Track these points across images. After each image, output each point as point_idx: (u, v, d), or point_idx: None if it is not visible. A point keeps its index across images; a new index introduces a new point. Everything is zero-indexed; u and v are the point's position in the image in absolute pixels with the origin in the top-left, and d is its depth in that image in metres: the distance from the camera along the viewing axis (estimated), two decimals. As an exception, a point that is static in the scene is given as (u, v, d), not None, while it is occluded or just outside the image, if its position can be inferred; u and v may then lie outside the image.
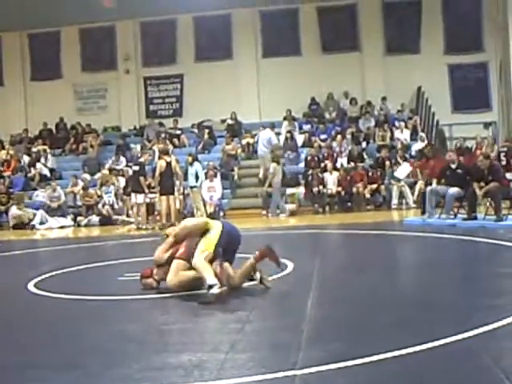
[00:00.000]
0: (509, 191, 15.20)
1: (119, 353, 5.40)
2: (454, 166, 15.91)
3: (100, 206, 22.63)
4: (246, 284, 7.93)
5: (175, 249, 7.88)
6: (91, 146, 26.70)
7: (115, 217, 22.35)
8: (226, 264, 7.74)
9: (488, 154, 17.00)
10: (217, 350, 5.19)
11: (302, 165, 24.12)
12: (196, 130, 27.48)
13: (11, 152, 26.79)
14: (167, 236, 8.25)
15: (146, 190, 20.04)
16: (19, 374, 4.96)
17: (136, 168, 20.48)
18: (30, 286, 9.00)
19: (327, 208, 22.17)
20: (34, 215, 22.23)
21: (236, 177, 24.15)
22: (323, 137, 25.54)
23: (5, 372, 5.08)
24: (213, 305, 7.01)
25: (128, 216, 22.00)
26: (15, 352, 5.69)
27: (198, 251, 7.51)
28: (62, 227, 21.68)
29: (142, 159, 21.14)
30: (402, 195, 21.32)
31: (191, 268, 7.60)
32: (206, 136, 26.56)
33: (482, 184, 14.92)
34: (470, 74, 27.18)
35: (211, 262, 7.53)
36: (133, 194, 20.31)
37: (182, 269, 7.65)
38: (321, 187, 22.17)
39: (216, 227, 7.78)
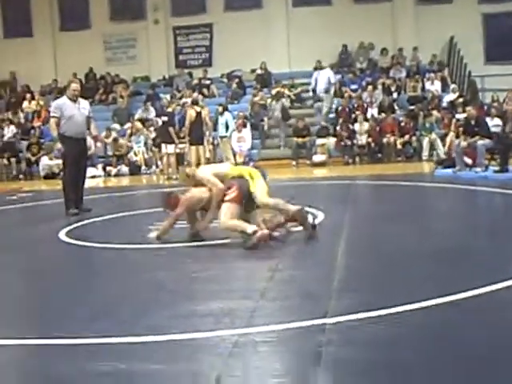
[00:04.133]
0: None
1: (150, 301, 5.44)
2: (473, 122, 15.85)
3: (131, 154, 22.73)
4: (277, 233, 7.94)
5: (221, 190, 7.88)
6: (121, 97, 26.69)
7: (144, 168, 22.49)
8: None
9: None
10: (247, 298, 5.21)
11: (332, 115, 23.96)
12: (226, 80, 27.38)
13: (41, 102, 26.88)
14: (188, 176, 8.26)
15: (176, 141, 20.06)
16: (52, 323, 5.02)
17: (165, 119, 20.49)
18: (62, 235, 9.08)
19: (357, 159, 22.06)
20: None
21: (266, 127, 24.06)
22: (354, 87, 25.29)
23: (39, 322, 5.15)
24: (243, 252, 7.08)
25: (157, 166, 22.10)
26: (48, 302, 5.76)
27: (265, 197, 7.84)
28: (92, 177, 21.79)
29: (170, 109, 21.12)
30: (433, 147, 21.12)
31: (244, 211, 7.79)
32: (234, 86, 26.45)
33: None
34: (505, 23, 26.65)
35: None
36: (163, 145, 20.36)
37: (235, 212, 7.67)
38: (351, 138, 22.05)
39: (256, 176, 7.98)
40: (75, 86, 12.00)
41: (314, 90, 24.45)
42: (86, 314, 5.16)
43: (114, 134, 23.68)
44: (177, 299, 5.41)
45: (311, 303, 5.01)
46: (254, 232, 7.32)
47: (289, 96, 25.40)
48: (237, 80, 26.67)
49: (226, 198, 7.69)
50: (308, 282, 5.76)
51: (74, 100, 11.75)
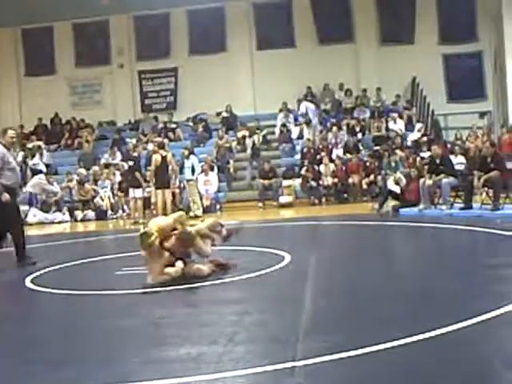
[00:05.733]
0: (507, 181, 15.19)
1: (117, 347, 5.39)
2: (438, 161, 16.06)
3: (97, 199, 22.62)
4: (244, 276, 7.99)
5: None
6: (86, 141, 26.66)
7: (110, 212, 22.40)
8: None
9: (493, 141, 17.05)
10: (215, 343, 5.18)
11: (297, 157, 24.09)
12: (191, 124, 27.47)
13: (6, 148, 26.70)
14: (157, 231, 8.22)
15: (144, 184, 20.03)
16: (16, 370, 4.95)
17: (131, 163, 20.48)
18: (28, 282, 8.98)
19: (323, 200, 22.14)
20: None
21: (231, 170, 24.14)
22: (319, 128, 25.49)
23: (1, 368, 5.07)
24: (210, 297, 7.05)
25: (123, 211, 22.06)
26: (12, 348, 5.67)
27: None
28: (58, 222, 21.64)
29: (135, 154, 21.11)
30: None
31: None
32: (200, 129, 26.55)
33: (480, 173, 14.96)
34: (464, 63, 27.09)
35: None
36: (130, 189, 20.31)
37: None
38: (317, 179, 22.16)
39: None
40: (12, 132, 11.08)
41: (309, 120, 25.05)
42: (51, 361, 5.09)
43: (76, 178, 23.52)
44: (144, 345, 5.36)
45: (279, 347, 4.99)
46: None
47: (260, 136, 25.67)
48: (203, 123, 26.79)
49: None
50: (276, 326, 5.75)
51: (9, 148, 10.91)
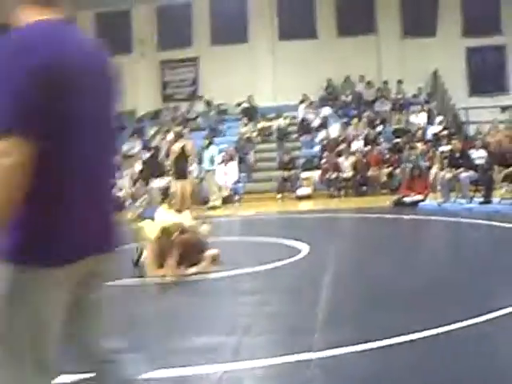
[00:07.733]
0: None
1: (135, 337, 5.42)
2: (458, 155, 16.02)
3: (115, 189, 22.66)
4: (262, 267, 8.02)
5: None
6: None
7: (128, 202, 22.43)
8: None
9: (512, 136, 17.00)
10: (232, 333, 5.21)
11: (317, 148, 24.04)
12: (212, 113, 27.47)
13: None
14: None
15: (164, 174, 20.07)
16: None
17: (151, 153, 20.52)
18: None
19: (342, 192, 22.06)
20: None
21: (252, 161, 24.11)
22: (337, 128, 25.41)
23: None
24: (226, 287, 7.07)
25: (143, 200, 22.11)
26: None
27: None
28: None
29: (154, 143, 21.12)
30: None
31: None
32: (219, 119, 26.55)
33: (500, 168, 14.90)
34: (487, 57, 26.92)
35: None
36: (151, 179, 20.37)
37: None
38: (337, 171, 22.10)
39: None
40: None
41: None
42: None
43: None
44: (162, 335, 5.40)
45: (295, 338, 5.01)
46: None
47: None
48: (222, 114, 26.85)
49: None
50: (292, 317, 5.77)
51: None
